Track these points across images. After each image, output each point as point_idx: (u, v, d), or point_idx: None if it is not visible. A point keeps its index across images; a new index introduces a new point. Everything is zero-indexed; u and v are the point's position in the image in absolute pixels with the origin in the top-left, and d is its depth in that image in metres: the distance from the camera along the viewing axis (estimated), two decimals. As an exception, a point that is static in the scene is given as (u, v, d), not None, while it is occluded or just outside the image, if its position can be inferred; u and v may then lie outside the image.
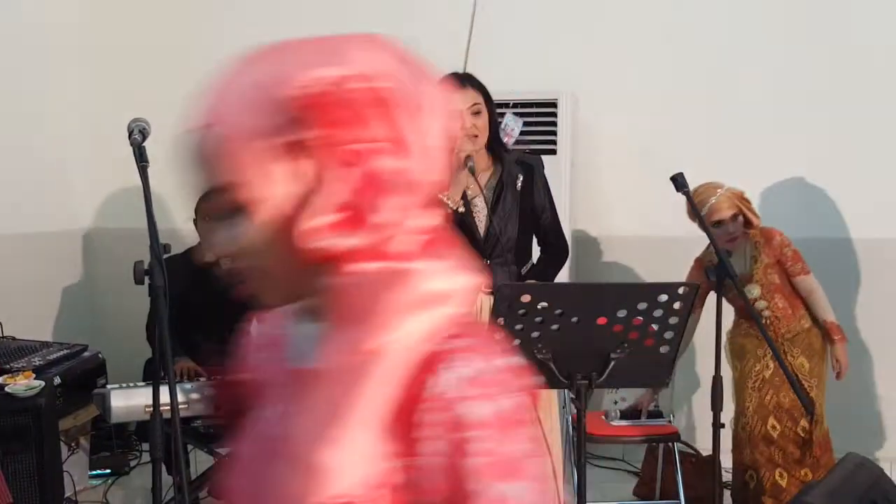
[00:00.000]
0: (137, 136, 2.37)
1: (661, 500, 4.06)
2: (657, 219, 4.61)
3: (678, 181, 2.93)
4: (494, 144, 2.93)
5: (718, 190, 3.52)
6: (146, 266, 2.22)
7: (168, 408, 2.39)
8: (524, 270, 2.95)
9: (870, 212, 4.40)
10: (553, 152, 4.25)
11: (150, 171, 2.41)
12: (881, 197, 4.38)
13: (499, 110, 3.25)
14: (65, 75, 5.00)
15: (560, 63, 4.59)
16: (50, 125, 4.87)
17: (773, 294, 3.55)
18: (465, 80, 2.87)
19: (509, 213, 2.88)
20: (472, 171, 2.74)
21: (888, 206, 4.38)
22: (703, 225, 2.96)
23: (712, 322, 2.95)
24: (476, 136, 2.81)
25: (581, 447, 2.50)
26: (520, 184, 2.92)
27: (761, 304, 3.55)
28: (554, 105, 4.33)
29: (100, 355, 4.09)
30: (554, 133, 4.33)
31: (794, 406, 3.50)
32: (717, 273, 2.90)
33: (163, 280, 2.19)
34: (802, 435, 3.52)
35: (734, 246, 3.55)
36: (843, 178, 4.42)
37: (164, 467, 2.54)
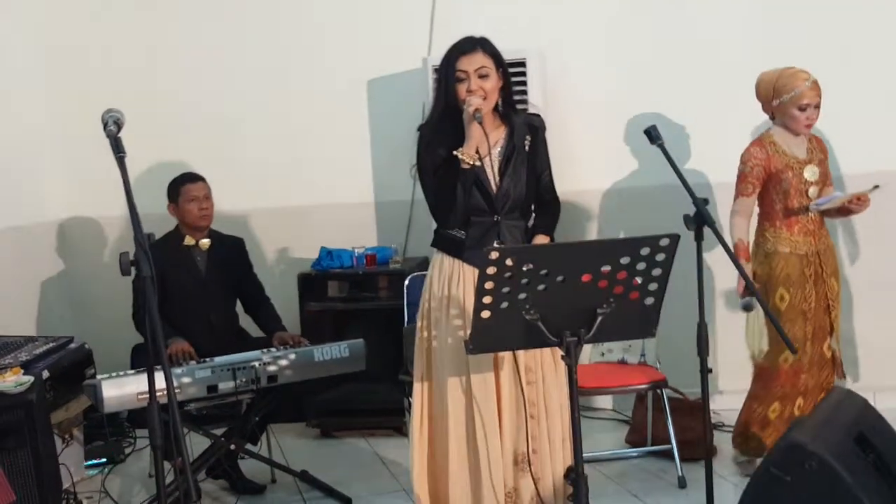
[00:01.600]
0: (112, 127, 2.34)
1: (653, 445, 4.14)
2: (631, 171, 4.63)
3: (652, 134, 2.95)
4: (505, 107, 3.02)
5: (811, 76, 3.64)
6: (131, 257, 2.21)
7: (162, 394, 2.40)
8: (529, 224, 3.06)
9: (865, 147, 4.44)
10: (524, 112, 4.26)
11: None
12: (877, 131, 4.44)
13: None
14: (31, 66, 4.91)
15: (526, 21, 4.56)
16: (16, 116, 4.79)
17: (819, 188, 3.71)
18: (476, 43, 2.94)
19: (518, 173, 2.97)
20: (480, 121, 2.82)
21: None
22: (681, 176, 2.95)
23: (694, 268, 2.96)
24: (484, 98, 2.88)
25: (574, 402, 2.54)
26: (527, 145, 3.01)
27: (814, 191, 3.68)
28: (522, 65, 4.33)
29: (86, 346, 4.08)
30: (524, 93, 4.32)
31: (821, 327, 3.69)
32: (695, 220, 2.93)
33: (150, 270, 2.17)
34: (827, 355, 3.74)
35: (809, 131, 3.71)
36: (832, 114, 4.45)
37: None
